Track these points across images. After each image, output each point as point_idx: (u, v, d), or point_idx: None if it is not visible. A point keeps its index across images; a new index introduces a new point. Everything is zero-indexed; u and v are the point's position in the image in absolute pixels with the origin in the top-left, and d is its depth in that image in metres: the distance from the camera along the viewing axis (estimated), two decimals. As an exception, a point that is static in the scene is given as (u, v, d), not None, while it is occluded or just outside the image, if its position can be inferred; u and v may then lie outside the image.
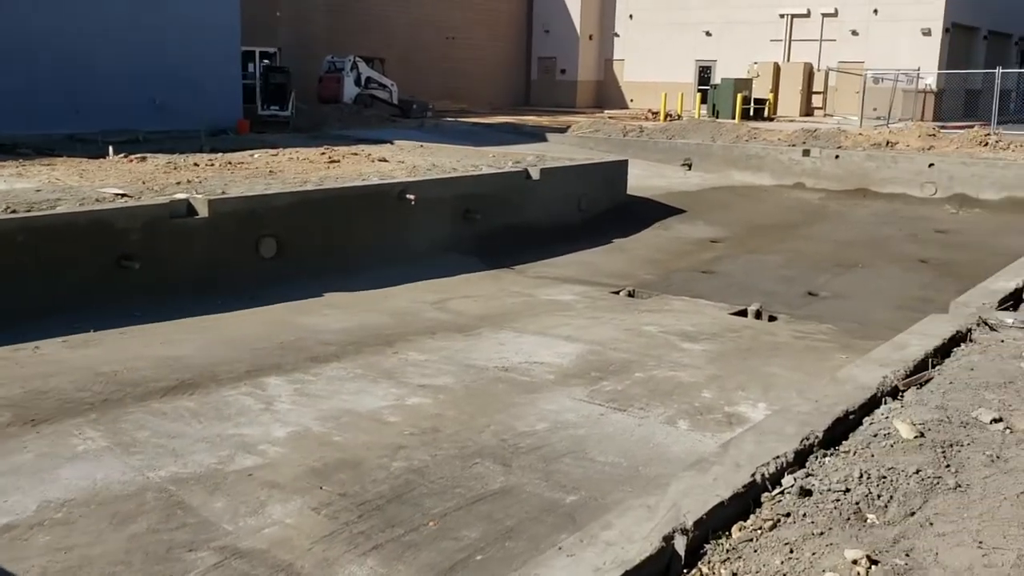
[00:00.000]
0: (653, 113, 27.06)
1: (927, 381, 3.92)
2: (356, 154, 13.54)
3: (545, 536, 4.07)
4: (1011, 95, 23.99)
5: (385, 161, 12.89)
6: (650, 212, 14.19)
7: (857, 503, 2.78)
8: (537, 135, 20.30)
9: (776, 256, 11.79)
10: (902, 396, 3.81)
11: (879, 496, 2.82)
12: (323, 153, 13.22)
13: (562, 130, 20.79)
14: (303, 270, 9.06)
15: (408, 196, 10.06)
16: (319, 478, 4.61)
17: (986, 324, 4.62)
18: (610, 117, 26.64)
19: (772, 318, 8.87)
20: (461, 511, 4.30)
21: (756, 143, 17.75)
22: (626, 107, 31.85)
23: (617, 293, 9.67)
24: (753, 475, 2.95)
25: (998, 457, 3.15)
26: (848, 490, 2.87)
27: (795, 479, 3.00)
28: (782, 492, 2.91)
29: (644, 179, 16.59)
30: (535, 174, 12.13)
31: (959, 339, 4.49)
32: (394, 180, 10.45)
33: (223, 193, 9.07)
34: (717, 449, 3.23)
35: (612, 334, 7.87)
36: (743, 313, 8.92)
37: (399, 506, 4.32)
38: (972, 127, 17.91)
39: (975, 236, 13.12)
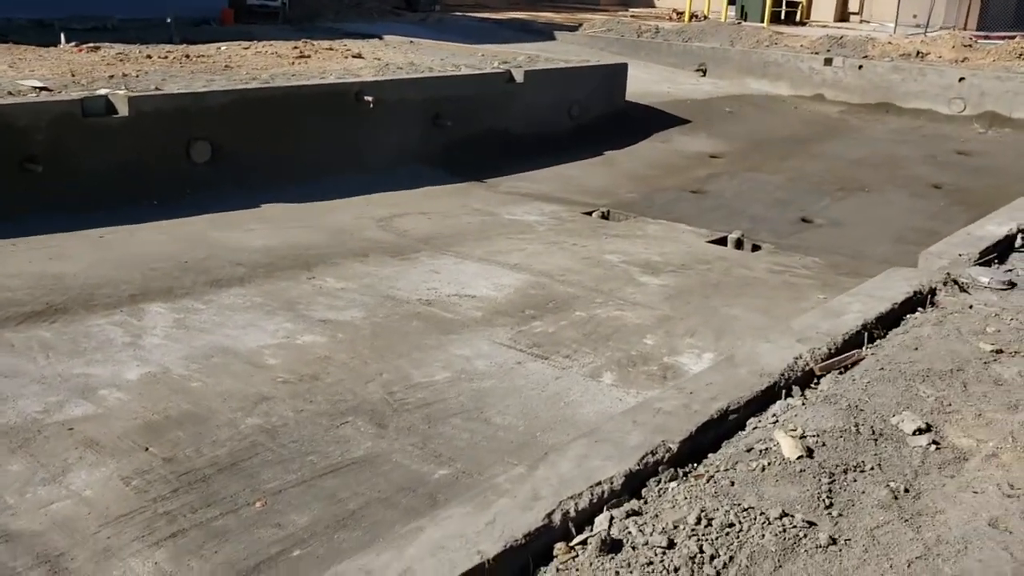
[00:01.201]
0: (678, 14, 25.45)
1: (854, 364, 3.12)
2: (332, 49, 12.57)
3: (390, 524, 3.39)
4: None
5: (360, 57, 11.92)
6: (651, 121, 13.15)
7: (676, 570, 2.02)
8: (545, 33, 19.05)
9: (777, 175, 10.80)
10: (816, 385, 3.02)
11: (713, 558, 2.05)
12: (296, 47, 12.26)
13: (573, 28, 19.50)
14: (241, 178, 8.28)
15: (366, 97, 9.17)
16: (151, 436, 3.94)
17: (955, 283, 3.78)
18: (633, 16, 25.11)
19: (755, 247, 8.00)
20: (302, 487, 3.62)
21: (776, 49, 16.45)
22: (653, 6, 30.13)
23: (590, 214, 8.82)
24: (548, 516, 2.19)
25: (906, 491, 2.38)
26: (672, 545, 2.10)
27: (612, 519, 2.24)
28: (584, 542, 2.15)
29: (652, 84, 15.46)
30: (519, 77, 11.13)
31: (917, 302, 3.66)
32: (351, 79, 9.54)
33: (156, 89, 8.24)
34: (521, 471, 2.47)
35: (566, 263, 7.07)
36: (722, 241, 8.05)
37: (229, 478, 3.64)
38: (1015, 37, 16.42)
39: (1001, 159, 12.00)
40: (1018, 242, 4.54)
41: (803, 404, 2.82)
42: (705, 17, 24.24)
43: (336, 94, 9.12)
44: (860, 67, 15.04)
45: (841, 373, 3.07)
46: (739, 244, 8.01)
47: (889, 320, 3.44)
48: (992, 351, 3.16)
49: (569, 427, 4.30)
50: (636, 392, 4.74)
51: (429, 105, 10.03)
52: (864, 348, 3.26)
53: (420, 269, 6.65)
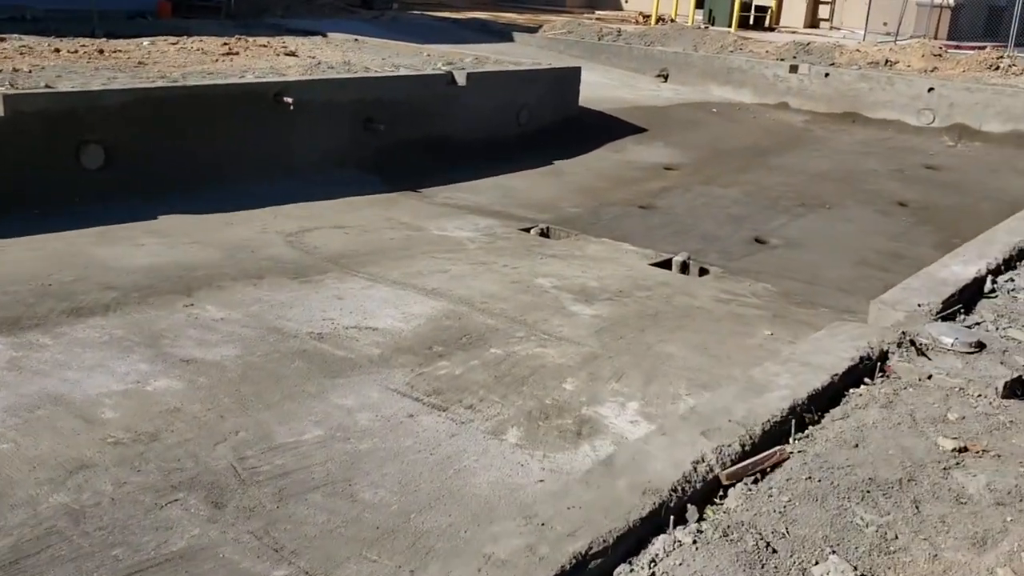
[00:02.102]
0: (645, 17, 24.84)
1: (775, 466, 2.42)
2: (266, 46, 11.76)
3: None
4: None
5: (293, 55, 11.13)
6: (605, 129, 12.47)
7: None
8: (504, 34, 18.33)
9: (733, 189, 10.14)
10: (720, 500, 2.32)
11: None
12: (225, 44, 11.44)
13: (533, 30, 18.79)
14: (138, 186, 7.47)
15: (285, 99, 8.38)
16: (-83, 523, 3.15)
17: (912, 344, 3.11)
18: (597, 18, 24.47)
19: (702, 271, 7.32)
20: (90, 597, 2.86)
21: (740, 55, 15.83)
22: (620, 9, 29.51)
23: (528, 231, 8.09)
24: None
25: None
26: None
27: None
28: None
29: (610, 89, 14.81)
30: (461, 79, 10.39)
31: (864, 370, 2.97)
32: (272, 79, 8.75)
33: (46, 87, 7.41)
34: None
35: (492, 288, 6.34)
36: (667, 264, 7.36)
37: (-1, 585, 2.87)
38: (985, 48, 15.94)
39: (970, 175, 11.43)
40: (988, 286, 3.89)
41: (695, 541, 2.10)
42: (672, 20, 23.64)
43: (252, 95, 8.33)
44: (827, 75, 14.45)
45: (756, 481, 2.37)
46: (684, 268, 7.32)
47: (826, 398, 2.74)
48: (954, 449, 2.49)
49: (454, 504, 3.57)
50: (543, 455, 4.01)
51: (360, 107, 9.26)
52: (791, 442, 2.56)
53: (322, 294, 5.88)
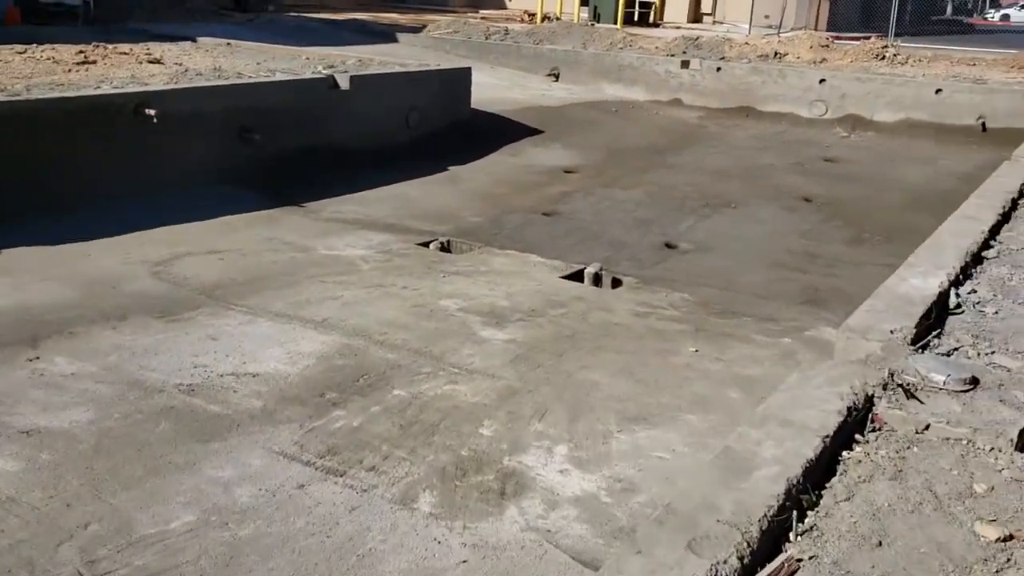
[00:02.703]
0: (530, 15, 24.47)
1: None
2: (127, 53, 10.74)
3: None
4: (907, 5, 22.37)
5: (158, 63, 10.18)
6: (500, 132, 11.92)
7: None
8: (386, 35, 17.59)
9: (636, 191, 9.74)
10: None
11: None
12: (82, 52, 10.38)
13: (417, 30, 18.12)
14: (-25, 215, 6.51)
15: (148, 111, 7.51)
16: None
17: (900, 386, 2.65)
18: (482, 17, 23.97)
19: (615, 282, 6.84)
20: None
21: (631, 52, 15.55)
22: (504, 7, 29.11)
23: (427, 245, 7.46)
24: None
25: None
26: None
27: None
28: None
29: (501, 90, 14.29)
30: (344, 83, 9.66)
31: (854, 423, 2.48)
32: (133, 89, 7.85)
33: None
34: None
35: (391, 315, 5.69)
36: (579, 276, 6.85)
37: None
38: (868, 38, 16.12)
39: (868, 166, 11.37)
40: (952, 299, 3.50)
41: None
42: (557, 18, 23.34)
43: (109, 107, 7.42)
44: (718, 69, 14.29)
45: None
46: (597, 280, 6.82)
47: (820, 468, 2.23)
48: (999, 539, 2.01)
49: (360, 603, 2.92)
50: (463, 526, 3.40)
51: (233, 117, 8.44)
52: (793, 539, 2.03)
53: (193, 335, 5.12)
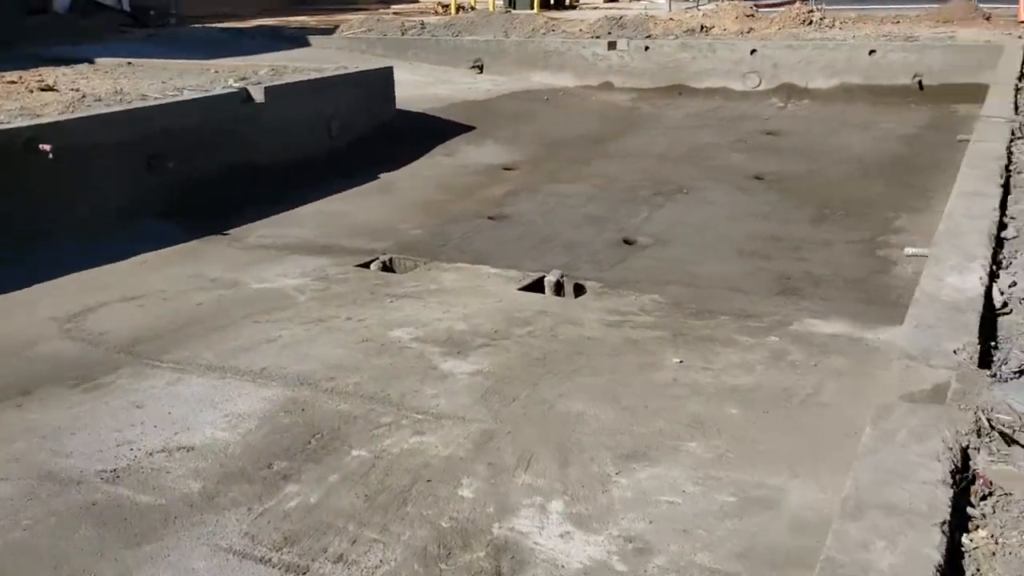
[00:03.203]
0: (444, 6, 23.76)
1: None
2: (16, 82, 9.84)
3: None
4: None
5: (51, 90, 9.32)
6: (429, 132, 11.30)
7: None
8: (298, 39, 16.76)
9: (582, 184, 9.23)
10: None
11: None
12: (-38, 83, 9.45)
13: (329, 31, 17.32)
14: None
15: (42, 146, 6.72)
16: None
17: (997, 431, 2.17)
18: (395, 13, 23.20)
19: (579, 288, 6.32)
20: None
21: (555, 36, 15.04)
22: (416, 1, 28.32)
23: (367, 266, 6.84)
24: None
25: None
26: None
27: None
28: None
29: (425, 87, 13.64)
30: (258, 95, 8.95)
31: (959, 491, 1.97)
32: (22, 123, 7.04)
33: None
34: None
35: (337, 354, 5.07)
36: (538, 286, 6.31)
37: None
38: (793, 2, 15.89)
39: (809, 137, 11.05)
40: (997, 297, 3.05)
41: None
42: (472, 8, 22.70)
43: (-6, 145, 6.62)
44: (647, 48, 13.86)
45: None
46: (559, 288, 6.29)
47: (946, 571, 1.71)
48: None
49: None
50: (459, 626, 2.84)
51: (141, 144, 7.68)
52: None
53: (114, 404, 4.44)
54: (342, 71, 10.60)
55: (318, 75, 10.43)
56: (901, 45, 12.51)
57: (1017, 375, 2.47)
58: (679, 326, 5.48)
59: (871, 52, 12.49)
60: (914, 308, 2.89)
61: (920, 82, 12.25)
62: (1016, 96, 7.62)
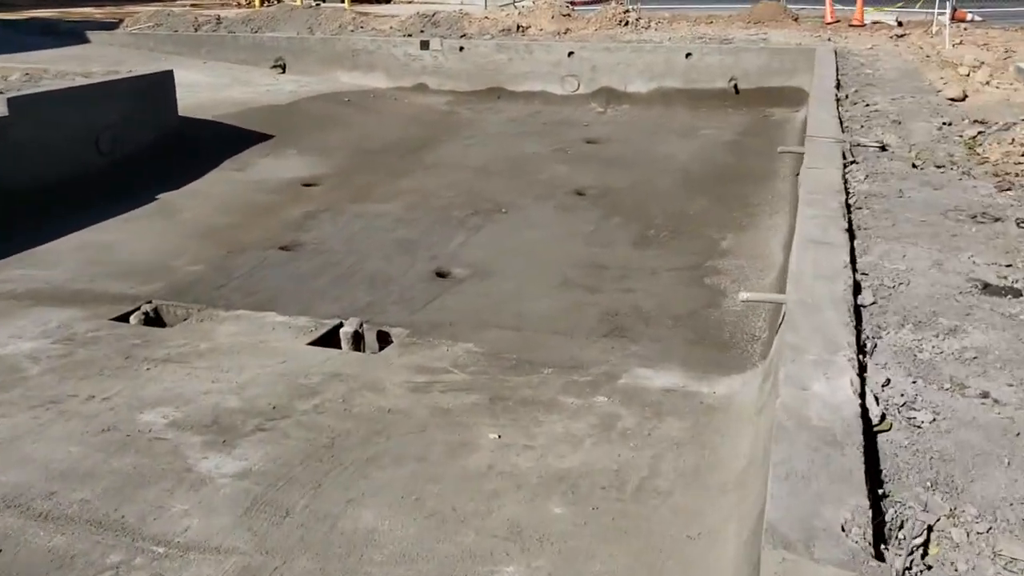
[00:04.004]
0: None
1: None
2: None
3: None
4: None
5: None
6: (220, 142, 10.09)
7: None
8: (75, 34, 14.95)
9: (394, 203, 8.34)
10: None
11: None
12: None
13: (113, 26, 15.58)
14: None
15: None
16: None
17: None
18: (193, 4, 21.43)
19: (383, 337, 5.46)
20: None
21: (364, 34, 14.03)
22: (219, -9, 26.39)
23: (126, 318, 5.70)
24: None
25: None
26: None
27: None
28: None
29: (219, 90, 12.35)
30: (1, 108, 7.52)
31: None
32: None
33: None
34: None
35: (67, 453, 3.99)
36: (332, 338, 5.39)
37: None
38: (608, 1, 15.55)
39: (631, 144, 10.62)
40: (874, 408, 2.39)
41: None
42: (279, 1, 21.27)
43: None
44: (461, 49, 13.10)
45: None
46: (358, 340, 5.39)
47: None
48: None
49: None
50: None
51: None
52: None
53: None
54: (112, 77, 9.22)
55: (84, 81, 9.04)
56: (717, 48, 12.33)
57: (920, 550, 1.83)
58: (497, 386, 4.72)
59: (688, 55, 12.24)
60: (780, 444, 2.22)
61: (736, 86, 12.10)
62: (838, 109, 7.34)
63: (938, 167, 5.37)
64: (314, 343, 5.33)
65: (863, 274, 3.54)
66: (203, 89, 12.15)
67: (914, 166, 5.43)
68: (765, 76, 12.07)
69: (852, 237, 3.95)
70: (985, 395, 2.57)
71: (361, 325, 5.47)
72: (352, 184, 9.01)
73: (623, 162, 9.74)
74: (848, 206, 4.43)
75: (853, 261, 3.64)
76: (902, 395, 2.54)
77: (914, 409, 2.47)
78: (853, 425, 2.26)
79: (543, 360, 5.10)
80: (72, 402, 4.51)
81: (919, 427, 2.38)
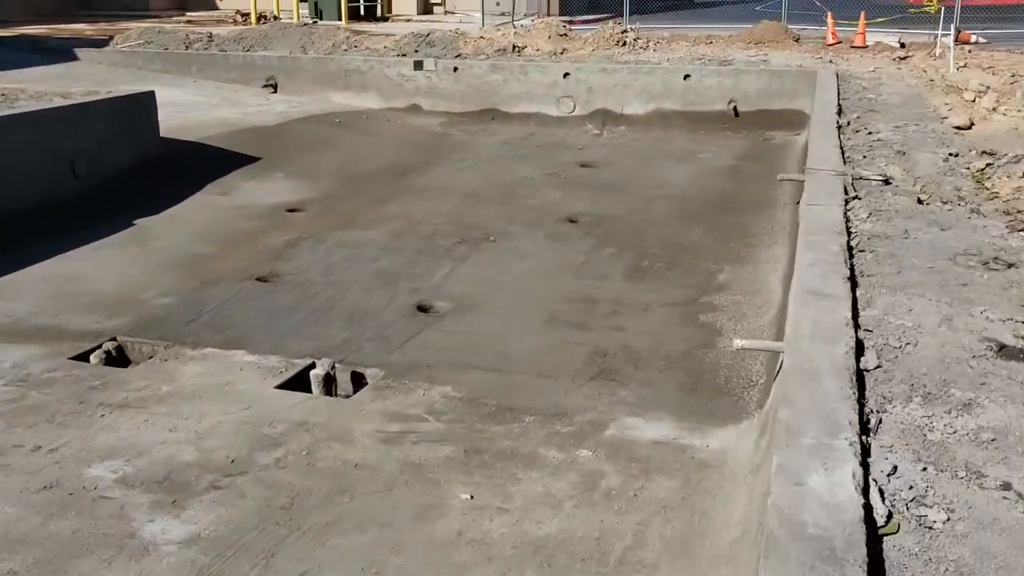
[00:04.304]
0: (244, 16, 22.00)
1: None
2: None
3: None
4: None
5: None
6: (204, 165, 9.81)
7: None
8: (63, 53, 14.71)
9: (379, 230, 8.04)
10: None
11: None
12: None
13: (102, 43, 15.34)
14: None
15: None
16: None
17: None
18: (188, 21, 21.26)
19: (357, 379, 5.16)
20: None
21: (357, 54, 13.79)
22: (215, 7, 26.30)
23: (86, 356, 5.39)
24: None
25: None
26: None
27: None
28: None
29: (207, 110, 12.09)
30: (-31, 131, 7.24)
31: None
32: None
33: None
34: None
35: (2, 514, 3.66)
36: (302, 381, 5.08)
37: None
38: (606, 20, 15.30)
39: (627, 168, 10.33)
40: (879, 509, 2.09)
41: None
42: (276, 17, 21.08)
43: None
44: (455, 69, 12.84)
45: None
46: (329, 383, 5.08)
47: None
48: None
49: None
50: None
51: None
52: None
53: None
54: (91, 98, 8.95)
55: (62, 102, 8.77)
56: (716, 70, 12.06)
57: None
58: (475, 437, 4.41)
59: (686, 77, 11.97)
60: (770, 562, 1.90)
61: (735, 108, 11.83)
62: (840, 137, 7.04)
63: (944, 203, 5.06)
64: (283, 386, 5.02)
65: (866, 330, 3.22)
66: (190, 109, 11.89)
67: (919, 201, 5.12)
68: (765, 98, 11.80)
69: (854, 286, 3.63)
70: (1006, 487, 2.25)
71: (333, 367, 5.16)
72: (338, 210, 8.71)
73: (618, 187, 9.45)
74: (850, 249, 4.11)
75: (855, 315, 3.32)
76: (911, 487, 2.23)
77: (925, 505, 2.16)
78: (856, 534, 1.94)
79: (525, 406, 4.78)
80: (16, 454, 4.20)
81: (931, 528, 2.07)
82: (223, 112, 11.96)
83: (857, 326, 3.20)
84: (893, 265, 3.89)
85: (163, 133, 10.43)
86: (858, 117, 8.13)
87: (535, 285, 6.69)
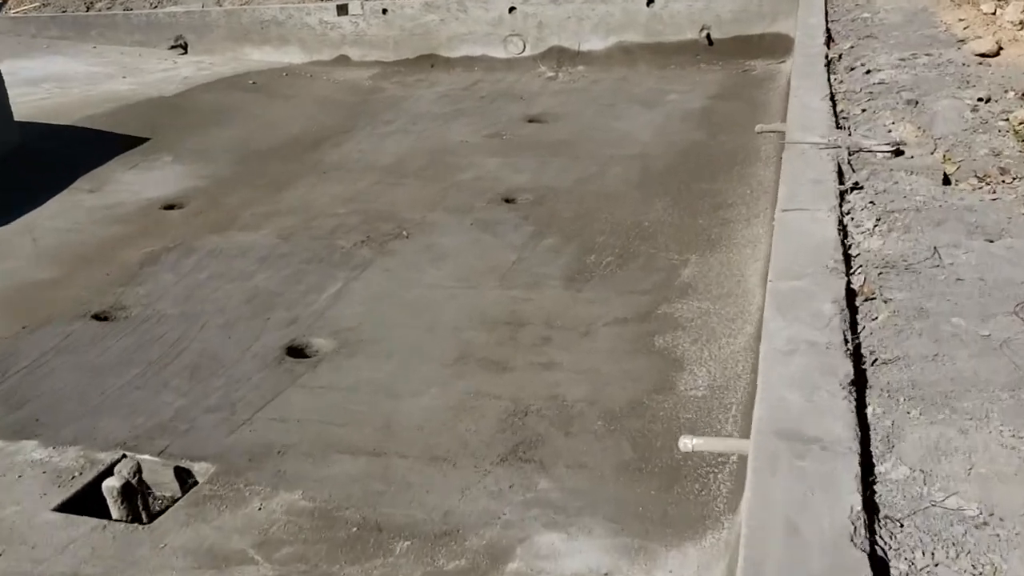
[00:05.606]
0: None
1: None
2: None
3: None
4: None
5: None
6: (78, 154, 8.24)
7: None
8: (-54, 22, 12.95)
9: (265, 230, 6.51)
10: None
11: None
12: None
13: (-5, 9, 13.57)
14: None
15: None
16: None
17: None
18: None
19: (182, 476, 3.72)
20: None
21: (273, 3, 12.02)
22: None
23: None
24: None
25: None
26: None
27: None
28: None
29: (100, 82, 10.47)
30: None
31: None
32: None
33: None
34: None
35: None
36: (98, 491, 3.64)
37: None
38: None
39: (583, 120, 8.71)
40: None
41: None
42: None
43: None
44: (384, 11, 11.12)
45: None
46: (129, 496, 3.64)
47: None
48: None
49: None
50: None
51: None
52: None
53: None
54: (-85, 84, 7.33)
55: None
56: (684, -8, 10.33)
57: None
58: (315, 590, 2.98)
59: (650, 2, 10.26)
60: None
61: (708, 36, 10.15)
62: (830, 80, 5.44)
63: (981, 180, 3.55)
64: (65, 505, 3.59)
65: (889, 533, 1.69)
66: (77, 83, 10.27)
67: (946, 181, 3.60)
68: (743, 22, 10.10)
69: (862, 404, 2.10)
70: None
71: (137, 471, 3.71)
72: (223, 204, 7.15)
73: (569, 149, 7.86)
74: (853, 311, 2.56)
75: (866, 485, 1.78)
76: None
77: None
78: None
79: (401, 522, 3.36)
80: None
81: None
82: (115, 85, 10.32)
83: (872, 518, 1.67)
84: (926, 338, 2.33)
85: (34, 117, 8.87)
86: (852, 47, 6.50)
87: (448, 303, 5.19)
